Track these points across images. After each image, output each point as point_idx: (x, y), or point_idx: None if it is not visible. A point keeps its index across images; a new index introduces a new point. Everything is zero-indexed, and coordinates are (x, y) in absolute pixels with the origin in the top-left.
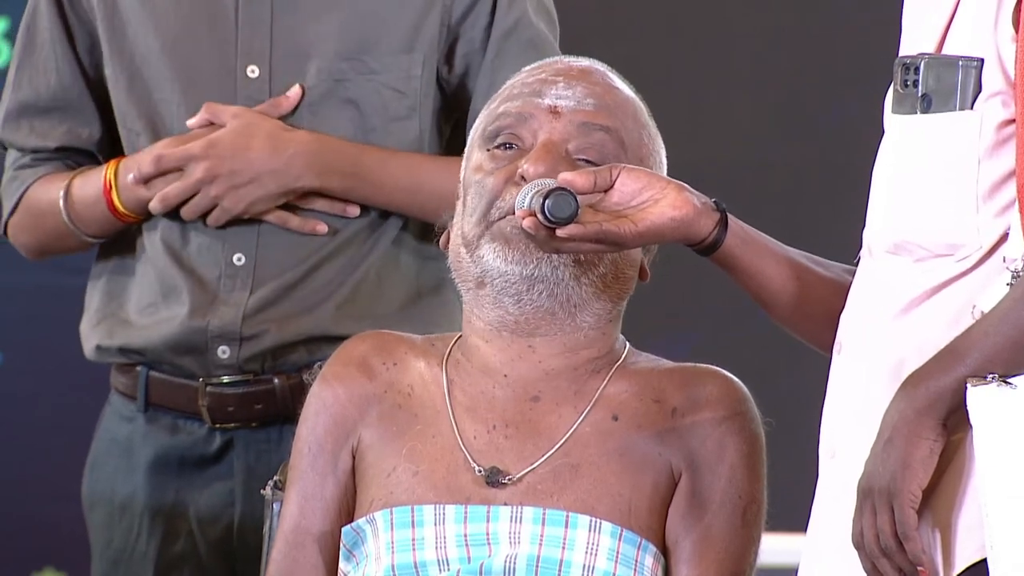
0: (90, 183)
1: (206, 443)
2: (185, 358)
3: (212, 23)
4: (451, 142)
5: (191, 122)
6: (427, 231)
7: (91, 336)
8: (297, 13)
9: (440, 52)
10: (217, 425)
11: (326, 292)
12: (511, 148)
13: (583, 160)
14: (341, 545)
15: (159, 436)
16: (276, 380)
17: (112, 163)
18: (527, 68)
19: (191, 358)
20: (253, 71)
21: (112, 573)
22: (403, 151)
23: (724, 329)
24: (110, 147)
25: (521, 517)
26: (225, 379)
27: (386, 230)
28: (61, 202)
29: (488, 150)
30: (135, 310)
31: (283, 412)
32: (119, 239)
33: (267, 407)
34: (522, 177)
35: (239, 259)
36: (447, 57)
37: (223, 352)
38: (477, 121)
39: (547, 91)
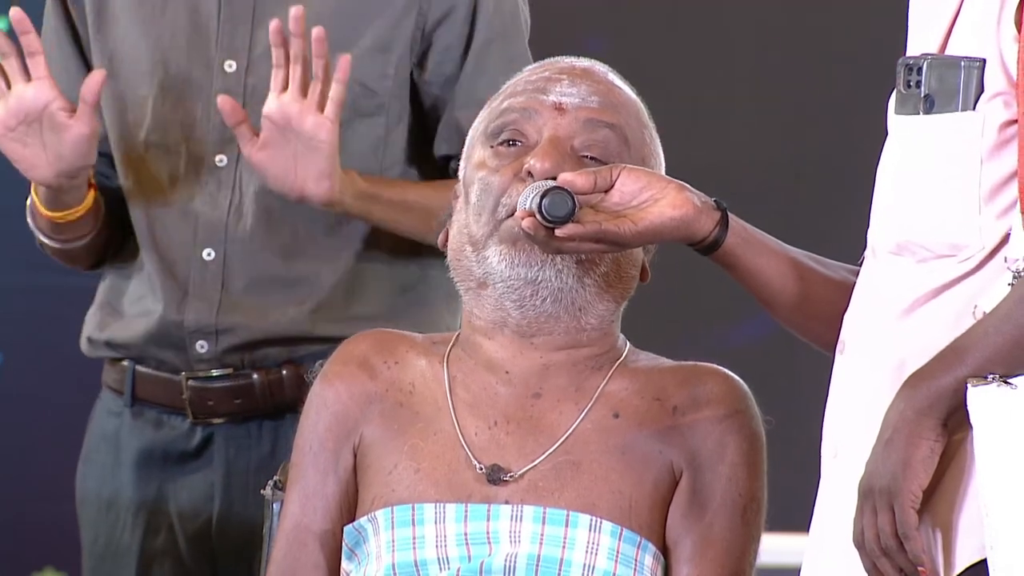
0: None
1: (188, 438)
2: (167, 352)
3: (195, 17)
4: (423, 148)
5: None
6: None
7: (86, 329)
8: (279, 9)
9: (414, 56)
10: (199, 420)
11: (303, 291)
12: (515, 145)
13: (588, 157)
14: (343, 544)
15: (144, 431)
16: (255, 375)
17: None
18: (529, 67)
19: (173, 352)
20: (230, 65)
21: (99, 568)
22: (415, 183)
23: (724, 328)
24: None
25: (521, 516)
26: (209, 373)
27: (362, 228)
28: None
29: (492, 147)
30: (125, 303)
31: (262, 407)
32: (114, 234)
33: (246, 402)
34: (528, 173)
35: (208, 254)
36: (420, 62)
37: (201, 347)
38: (478, 119)
39: (551, 88)
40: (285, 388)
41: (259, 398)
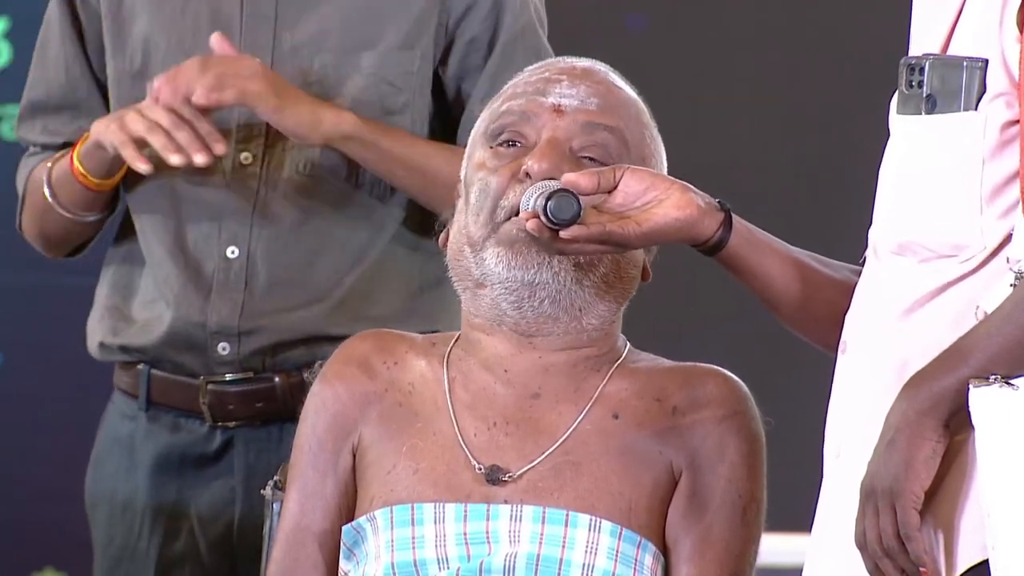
0: (66, 155)
1: (207, 442)
2: (186, 355)
3: (216, 17)
4: (445, 141)
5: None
6: (426, 226)
7: (95, 332)
8: (301, 7)
9: (437, 52)
10: (217, 423)
11: (324, 289)
12: (514, 145)
13: (587, 158)
14: (341, 544)
15: (160, 435)
16: (276, 378)
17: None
18: (529, 68)
19: (192, 355)
20: None
21: (114, 572)
22: (402, 132)
23: (724, 329)
24: None
25: (521, 516)
26: (226, 377)
27: (385, 225)
28: (44, 175)
29: (491, 147)
30: (137, 306)
31: (283, 410)
32: (126, 233)
33: (267, 405)
34: (526, 174)
35: (233, 252)
36: (444, 58)
37: (223, 348)
38: (479, 120)
39: (551, 90)
40: (306, 391)
41: (280, 401)
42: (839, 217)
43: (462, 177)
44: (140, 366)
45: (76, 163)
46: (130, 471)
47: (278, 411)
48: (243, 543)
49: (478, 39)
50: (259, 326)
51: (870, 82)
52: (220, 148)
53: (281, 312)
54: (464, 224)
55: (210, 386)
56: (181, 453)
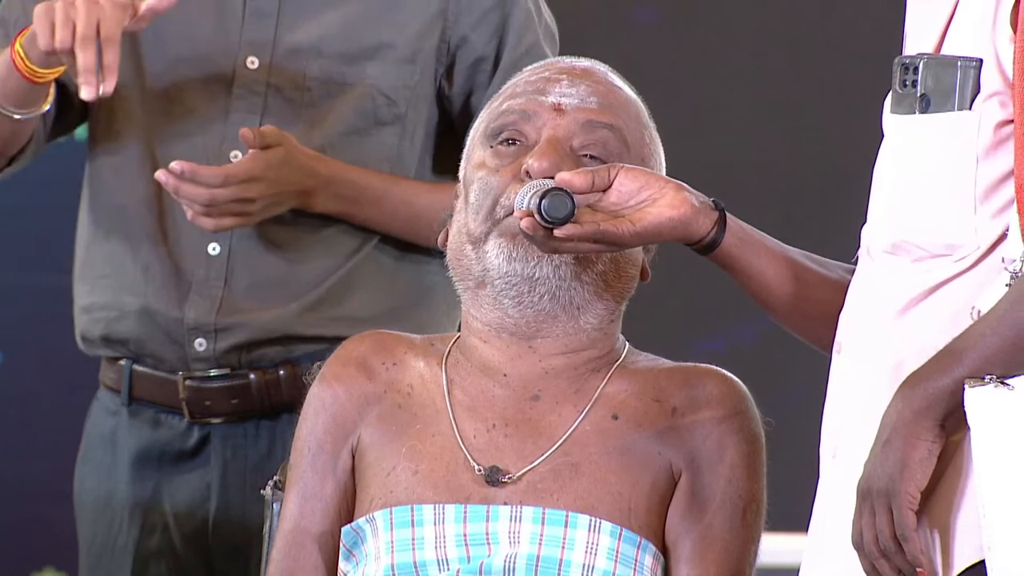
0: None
1: (185, 437)
2: (165, 349)
3: (220, 12)
4: (446, 157)
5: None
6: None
7: (78, 327)
8: (303, 10)
9: (439, 67)
10: (196, 419)
11: (303, 290)
12: (514, 144)
13: (587, 157)
14: (341, 545)
15: (141, 430)
16: (252, 375)
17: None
18: (529, 68)
19: (171, 350)
20: (253, 62)
21: (96, 567)
22: (405, 179)
23: (724, 329)
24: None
25: (520, 516)
26: (206, 373)
27: (370, 235)
28: None
29: (491, 147)
30: (116, 300)
31: (258, 407)
32: (106, 226)
33: (242, 402)
34: (527, 173)
35: (214, 249)
36: (448, 73)
37: (200, 345)
38: (478, 119)
39: (551, 89)
40: (282, 388)
41: (256, 398)
42: (838, 217)
43: (461, 177)
44: (122, 362)
45: (18, 48)
46: (112, 467)
47: (254, 408)
48: (218, 539)
49: (484, 59)
50: (235, 323)
51: (870, 82)
52: (109, 86)
53: (258, 311)
54: (464, 222)
55: (188, 382)
56: (161, 449)
